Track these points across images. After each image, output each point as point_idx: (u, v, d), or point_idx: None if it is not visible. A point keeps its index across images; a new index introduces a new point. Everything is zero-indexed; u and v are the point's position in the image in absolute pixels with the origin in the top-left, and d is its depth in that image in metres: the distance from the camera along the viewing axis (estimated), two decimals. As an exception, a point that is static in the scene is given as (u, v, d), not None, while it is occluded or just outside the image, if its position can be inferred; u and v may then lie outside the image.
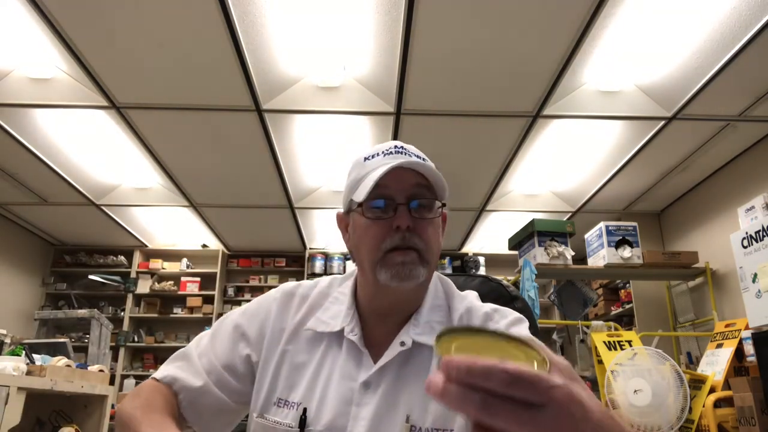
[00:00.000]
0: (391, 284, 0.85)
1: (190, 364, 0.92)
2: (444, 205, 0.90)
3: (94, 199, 4.82)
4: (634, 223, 4.04)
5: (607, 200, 4.81)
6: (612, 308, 5.35)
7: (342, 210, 0.95)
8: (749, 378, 2.89)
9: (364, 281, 0.92)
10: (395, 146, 0.91)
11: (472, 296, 0.96)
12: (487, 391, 0.40)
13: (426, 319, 0.89)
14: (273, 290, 0.99)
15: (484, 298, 0.97)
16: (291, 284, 0.99)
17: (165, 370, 0.92)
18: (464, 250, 6.33)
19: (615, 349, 3.12)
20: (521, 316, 0.92)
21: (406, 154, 0.90)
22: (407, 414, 0.82)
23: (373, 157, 0.90)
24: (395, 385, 0.85)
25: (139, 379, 5.61)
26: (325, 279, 1.00)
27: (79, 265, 6.15)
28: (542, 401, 0.40)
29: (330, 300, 0.95)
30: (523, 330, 0.88)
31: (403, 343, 0.86)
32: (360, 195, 0.86)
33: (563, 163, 4.21)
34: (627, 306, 5.10)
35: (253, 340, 0.93)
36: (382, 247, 0.85)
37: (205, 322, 6.22)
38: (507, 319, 0.90)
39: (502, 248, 4.97)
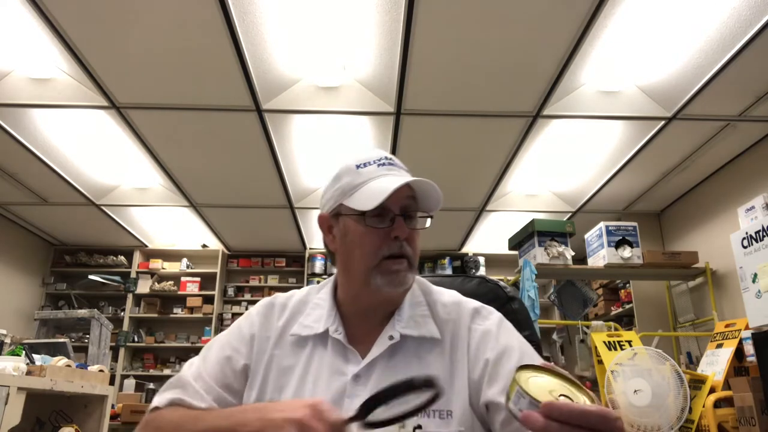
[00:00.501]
0: (385, 289, 0.92)
1: (187, 389, 0.92)
2: (431, 216, 0.97)
3: (94, 199, 4.82)
4: (634, 223, 4.04)
5: (607, 200, 4.81)
6: (612, 308, 5.35)
7: (325, 211, 0.99)
8: (749, 378, 2.89)
9: (349, 283, 0.97)
10: (386, 157, 0.98)
11: (453, 291, 1.03)
12: (580, 426, 0.57)
13: (409, 314, 0.96)
14: (253, 306, 1.05)
15: (481, 299, 1.02)
16: (269, 297, 1.05)
17: (164, 397, 0.91)
18: (464, 250, 6.33)
19: (615, 349, 3.12)
20: (501, 315, 0.98)
21: (396, 165, 0.98)
22: None
23: (365, 165, 0.95)
24: (385, 375, 0.89)
25: (139, 379, 5.60)
26: (302, 289, 1.06)
27: (79, 265, 6.15)
28: (612, 430, 0.58)
29: (310, 306, 1.00)
30: (508, 330, 0.95)
31: (391, 337, 0.93)
32: (362, 204, 0.91)
33: (563, 163, 4.21)
34: (627, 306, 5.10)
35: (244, 352, 0.96)
36: (379, 254, 0.92)
37: (205, 322, 6.22)
38: (491, 320, 0.96)
39: (502, 248, 4.97)
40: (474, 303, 0.99)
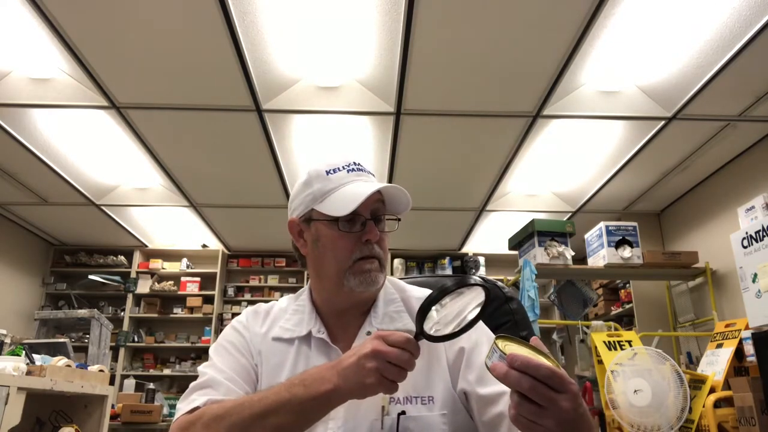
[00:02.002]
0: (357, 289, 0.96)
1: (218, 388, 0.92)
2: (399, 219, 1.03)
3: (94, 199, 4.82)
4: (634, 223, 4.03)
5: (607, 200, 4.81)
6: (612, 308, 5.35)
7: (295, 216, 1.03)
8: (749, 378, 2.89)
9: (322, 285, 1.02)
10: (354, 162, 1.02)
11: (426, 289, 1.06)
12: (535, 379, 0.64)
13: (384, 311, 1.01)
14: (237, 316, 1.09)
15: None
16: (252, 306, 1.10)
17: (196, 401, 0.89)
18: (464, 250, 6.33)
19: (615, 349, 3.12)
20: None
21: (364, 171, 1.02)
22: None
23: (335, 171, 0.99)
24: None
25: (139, 379, 5.60)
26: (281, 299, 1.11)
27: (79, 265, 6.15)
28: (564, 390, 0.65)
29: (290, 312, 1.05)
30: (479, 326, 0.98)
31: (369, 333, 0.98)
32: (335, 209, 0.95)
33: (563, 163, 4.20)
34: (627, 306, 5.10)
35: (250, 354, 1.01)
36: (352, 256, 0.96)
37: (205, 323, 6.22)
38: None
39: (502, 248, 4.97)
40: None
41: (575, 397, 0.66)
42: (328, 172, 0.99)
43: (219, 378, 0.93)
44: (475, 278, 0.77)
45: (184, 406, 0.90)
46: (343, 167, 1.00)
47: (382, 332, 0.78)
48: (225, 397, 0.89)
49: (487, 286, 0.78)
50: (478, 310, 0.79)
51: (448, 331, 0.78)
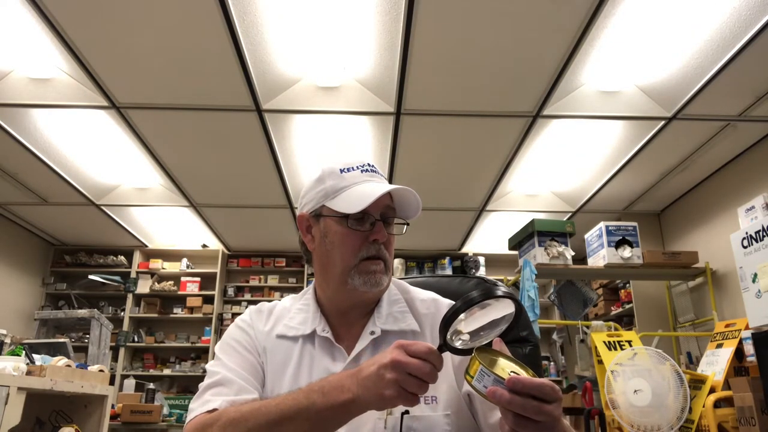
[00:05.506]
0: (361, 288, 0.97)
1: (231, 386, 0.91)
2: (407, 224, 1.04)
3: (94, 199, 4.82)
4: (634, 223, 4.03)
5: (607, 200, 4.81)
6: (612, 308, 5.35)
7: (305, 212, 1.02)
8: (749, 378, 2.89)
9: (326, 282, 1.02)
10: (368, 164, 1.03)
11: (430, 291, 1.08)
12: (534, 397, 0.66)
13: (387, 312, 1.01)
14: (241, 314, 1.09)
15: None
16: (255, 305, 1.10)
17: (212, 402, 0.89)
18: (464, 250, 6.33)
19: (615, 349, 3.11)
20: None
21: (377, 173, 1.03)
22: None
23: (349, 170, 1.01)
24: None
25: (139, 379, 5.59)
26: (284, 299, 1.11)
27: (79, 265, 6.15)
28: (557, 399, 0.67)
29: (294, 311, 1.05)
30: None
31: (372, 332, 0.98)
32: (346, 207, 0.96)
33: (563, 163, 4.21)
34: (627, 306, 5.10)
35: (256, 352, 1.01)
36: (359, 255, 0.97)
37: (205, 322, 6.22)
38: None
39: (502, 248, 4.97)
40: (448, 301, 1.04)
41: (561, 400, 0.68)
42: (342, 171, 1.00)
43: (231, 376, 0.93)
44: (504, 290, 0.74)
45: (198, 406, 0.89)
46: (357, 167, 1.01)
47: (403, 341, 0.75)
48: (238, 395, 0.90)
49: (516, 298, 0.75)
50: (506, 323, 0.76)
51: (475, 344, 0.75)
